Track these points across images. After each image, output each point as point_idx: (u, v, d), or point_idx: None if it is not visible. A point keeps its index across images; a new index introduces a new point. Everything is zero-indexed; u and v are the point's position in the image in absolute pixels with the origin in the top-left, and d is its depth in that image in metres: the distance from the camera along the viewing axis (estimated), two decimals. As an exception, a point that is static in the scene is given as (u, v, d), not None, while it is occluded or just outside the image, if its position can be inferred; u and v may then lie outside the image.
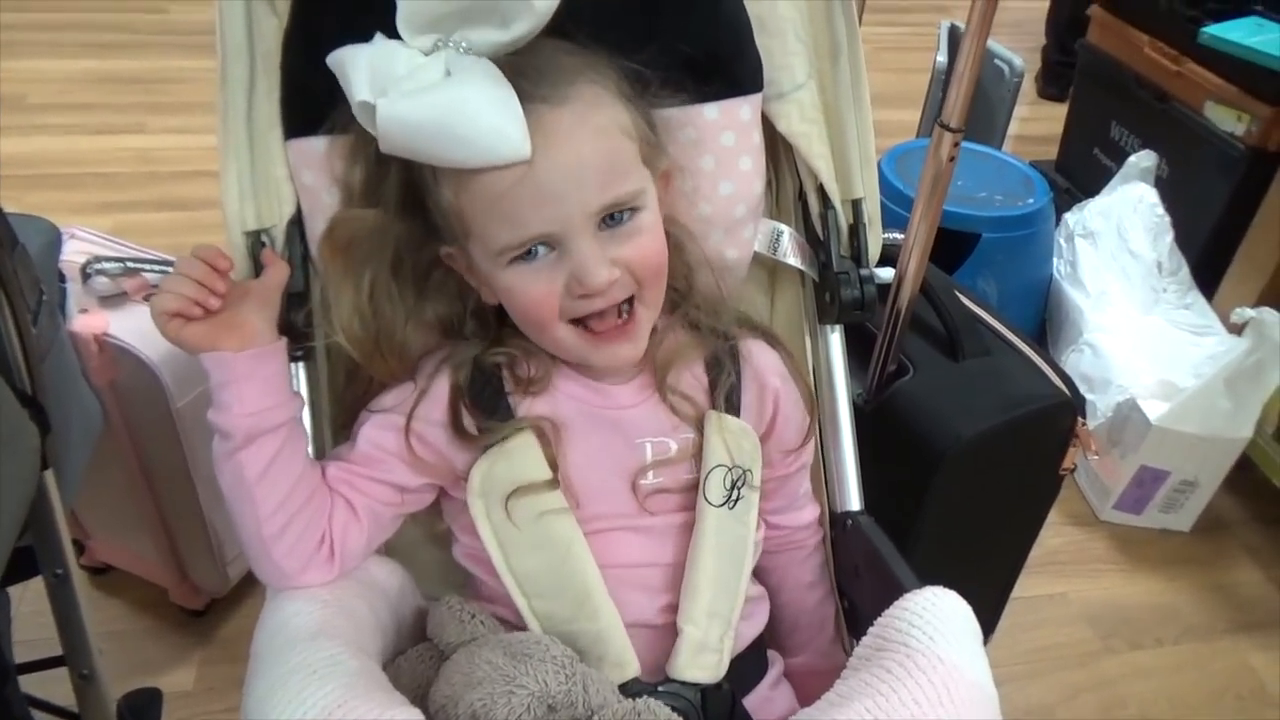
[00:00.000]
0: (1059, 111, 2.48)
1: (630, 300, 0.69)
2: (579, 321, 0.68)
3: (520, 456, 0.70)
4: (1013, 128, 2.10)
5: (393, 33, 0.63)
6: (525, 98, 0.61)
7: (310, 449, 0.72)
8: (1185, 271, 1.79)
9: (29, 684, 0.96)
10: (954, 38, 2.04)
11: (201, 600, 1.31)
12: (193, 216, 2.05)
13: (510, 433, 0.71)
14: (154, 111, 2.51)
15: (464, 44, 0.63)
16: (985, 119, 2.07)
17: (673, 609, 0.72)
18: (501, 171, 0.61)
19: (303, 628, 0.63)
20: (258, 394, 0.65)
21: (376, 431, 0.72)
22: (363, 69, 0.62)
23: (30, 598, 1.05)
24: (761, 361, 0.80)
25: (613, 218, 0.66)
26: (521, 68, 0.62)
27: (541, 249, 0.65)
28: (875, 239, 0.83)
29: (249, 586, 1.32)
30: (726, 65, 0.75)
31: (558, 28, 0.64)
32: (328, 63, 0.64)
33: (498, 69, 0.61)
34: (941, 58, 2.00)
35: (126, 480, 1.19)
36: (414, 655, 0.72)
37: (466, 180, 0.63)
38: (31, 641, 0.98)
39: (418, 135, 0.61)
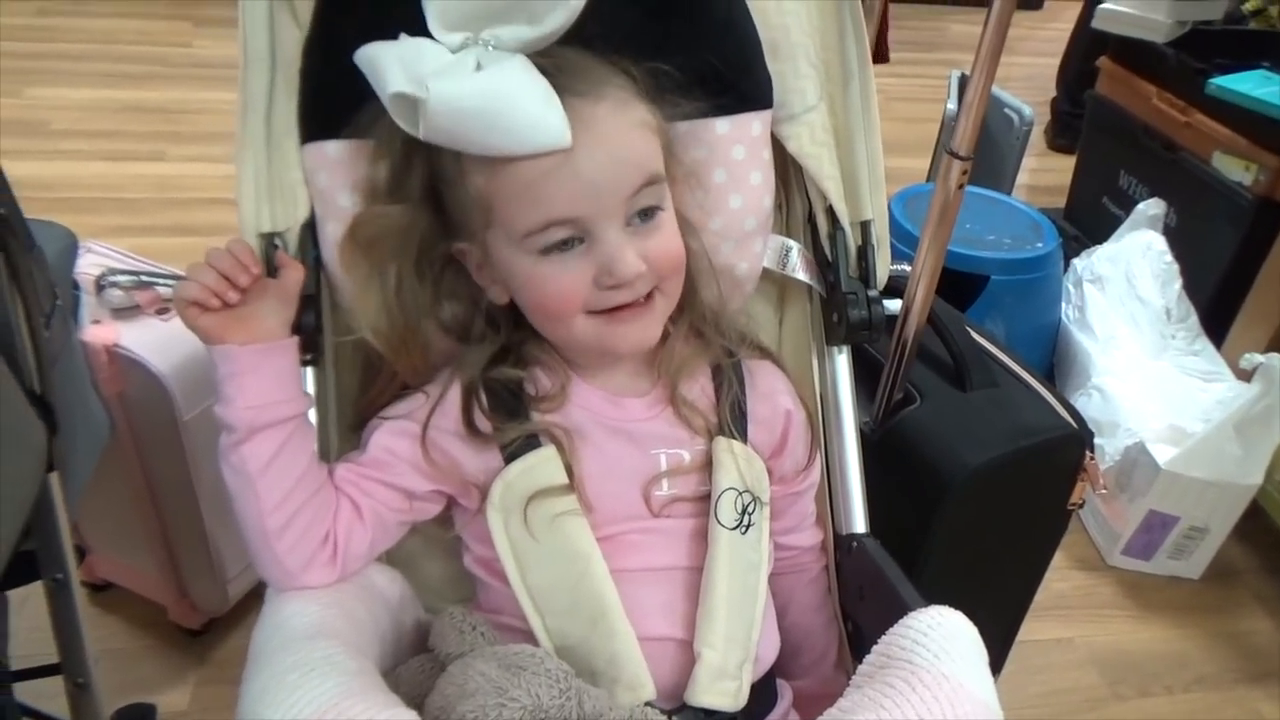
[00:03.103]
0: (1068, 163, 2.49)
1: (651, 291, 0.69)
2: (597, 312, 0.68)
3: (540, 468, 0.71)
4: (1022, 178, 2.11)
5: (415, 36, 0.64)
6: (561, 91, 0.62)
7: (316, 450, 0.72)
8: (1194, 319, 1.79)
9: (22, 693, 0.95)
10: (964, 86, 2.07)
11: (200, 619, 1.30)
12: (207, 242, 2.04)
13: (525, 435, 0.71)
14: (175, 141, 2.55)
15: (492, 41, 0.64)
16: (995, 166, 2.09)
17: (691, 625, 0.70)
18: (539, 159, 0.62)
19: (301, 627, 0.63)
20: (261, 388, 0.66)
21: (389, 437, 0.72)
22: (394, 63, 0.63)
23: (27, 613, 1.04)
24: (770, 381, 0.80)
25: (640, 215, 0.67)
26: (551, 66, 0.63)
27: (571, 240, 0.65)
28: (883, 261, 0.84)
29: (248, 607, 1.30)
30: (737, 79, 0.77)
31: (576, 35, 0.65)
32: (356, 59, 0.65)
33: (531, 63, 0.63)
34: (952, 105, 2.02)
35: (130, 493, 1.18)
36: (414, 665, 0.71)
37: (500, 166, 0.64)
38: (26, 656, 0.96)
39: (462, 122, 0.62)
